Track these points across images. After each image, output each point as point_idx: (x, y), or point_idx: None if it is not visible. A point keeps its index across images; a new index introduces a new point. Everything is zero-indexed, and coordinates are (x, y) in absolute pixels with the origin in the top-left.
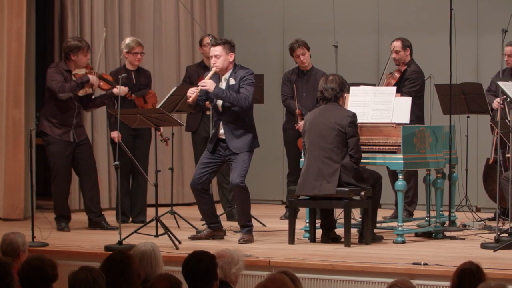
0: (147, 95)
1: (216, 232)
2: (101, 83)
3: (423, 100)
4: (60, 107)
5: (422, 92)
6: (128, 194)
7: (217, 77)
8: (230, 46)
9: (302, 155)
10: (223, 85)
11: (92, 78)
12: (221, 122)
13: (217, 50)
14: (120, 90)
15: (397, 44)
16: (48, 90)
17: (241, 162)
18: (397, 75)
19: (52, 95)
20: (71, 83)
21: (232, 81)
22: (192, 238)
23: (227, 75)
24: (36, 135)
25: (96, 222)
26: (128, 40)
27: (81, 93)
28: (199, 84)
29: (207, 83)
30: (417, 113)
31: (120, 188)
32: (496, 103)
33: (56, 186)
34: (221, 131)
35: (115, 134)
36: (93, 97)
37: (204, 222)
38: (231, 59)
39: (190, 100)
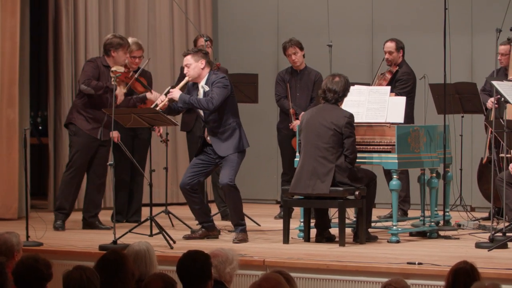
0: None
1: (210, 231)
2: (137, 85)
3: (414, 100)
4: (93, 102)
5: (413, 93)
6: (126, 193)
7: (196, 87)
8: (201, 53)
9: (297, 153)
10: (200, 93)
11: (119, 91)
12: (206, 128)
13: (187, 59)
14: (154, 95)
15: (391, 45)
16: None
17: (230, 162)
18: (388, 76)
19: None
20: (98, 83)
21: (206, 88)
22: (187, 237)
23: (202, 82)
24: (65, 126)
25: (90, 223)
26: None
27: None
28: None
29: (173, 92)
30: (407, 113)
31: (119, 187)
32: (490, 102)
33: (70, 177)
34: (208, 137)
35: (114, 134)
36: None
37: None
38: (202, 66)
39: (157, 108)
